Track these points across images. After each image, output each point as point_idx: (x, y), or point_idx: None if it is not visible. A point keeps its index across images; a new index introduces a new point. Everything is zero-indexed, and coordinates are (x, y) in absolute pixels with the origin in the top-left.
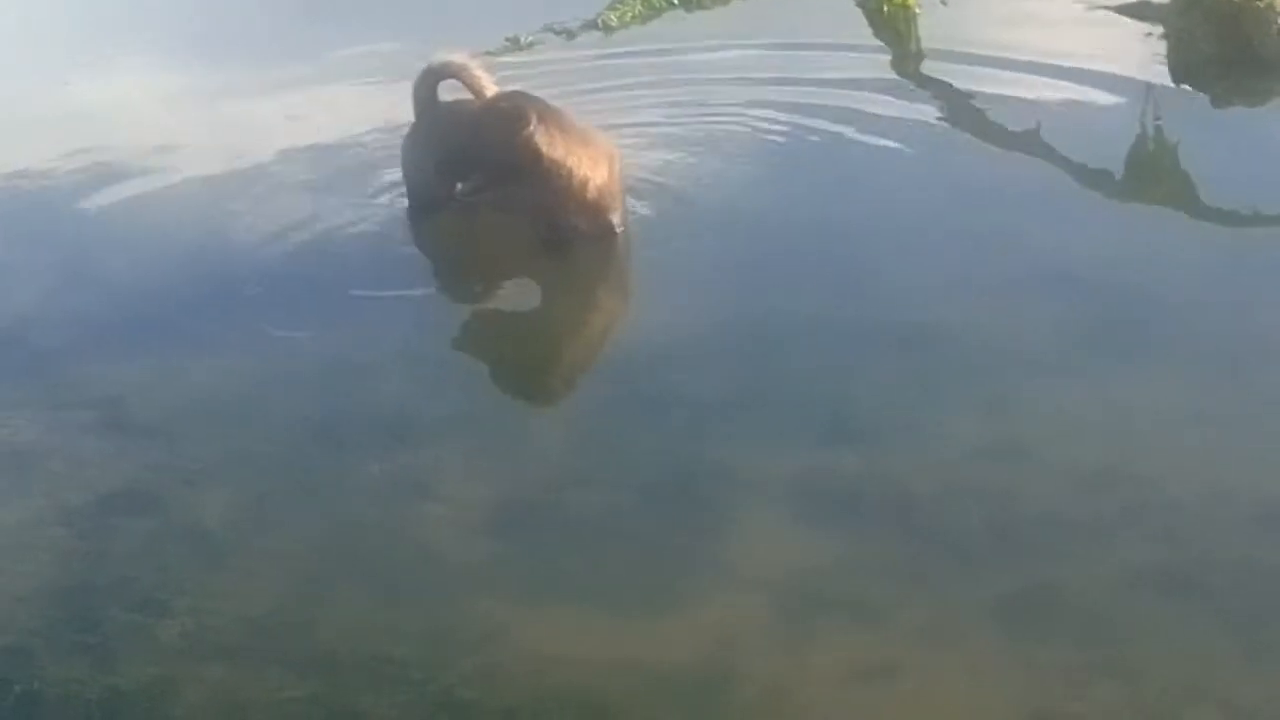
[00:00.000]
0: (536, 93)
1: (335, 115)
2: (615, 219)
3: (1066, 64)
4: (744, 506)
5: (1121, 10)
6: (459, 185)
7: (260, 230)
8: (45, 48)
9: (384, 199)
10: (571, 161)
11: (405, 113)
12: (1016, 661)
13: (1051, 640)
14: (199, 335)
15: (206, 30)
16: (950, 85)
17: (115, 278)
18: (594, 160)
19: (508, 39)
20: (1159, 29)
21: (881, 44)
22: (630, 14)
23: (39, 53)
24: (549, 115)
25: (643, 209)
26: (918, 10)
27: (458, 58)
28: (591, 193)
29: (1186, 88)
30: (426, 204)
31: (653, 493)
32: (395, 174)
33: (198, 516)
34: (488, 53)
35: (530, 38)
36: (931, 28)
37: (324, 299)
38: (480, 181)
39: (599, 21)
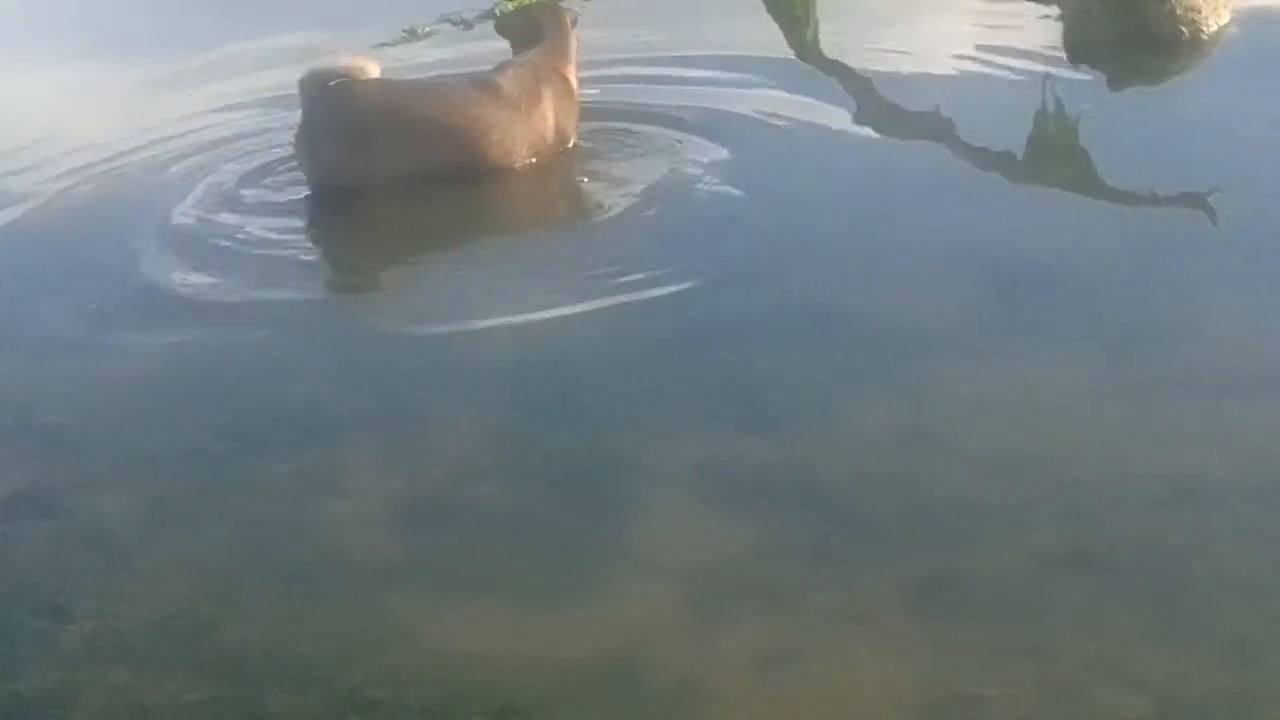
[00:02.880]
0: None
1: (236, 108)
2: None
3: (965, 46)
4: (653, 496)
5: None
6: None
7: (163, 229)
8: None
9: (287, 193)
10: None
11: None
12: (926, 644)
13: (961, 622)
14: (101, 337)
15: (107, 23)
16: (849, 68)
17: (13, 279)
18: None
19: (405, 30)
20: (1055, 10)
21: (779, 27)
22: (526, 2)
23: None
24: None
25: (544, 200)
26: None
27: (344, 60)
28: None
29: (1084, 68)
30: (328, 191)
31: (561, 485)
32: (294, 172)
33: (100, 519)
34: (384, 44)
35: (428, 28)
36: (829, 10)
37: (226, 297)
38: None
39: (496, 11)
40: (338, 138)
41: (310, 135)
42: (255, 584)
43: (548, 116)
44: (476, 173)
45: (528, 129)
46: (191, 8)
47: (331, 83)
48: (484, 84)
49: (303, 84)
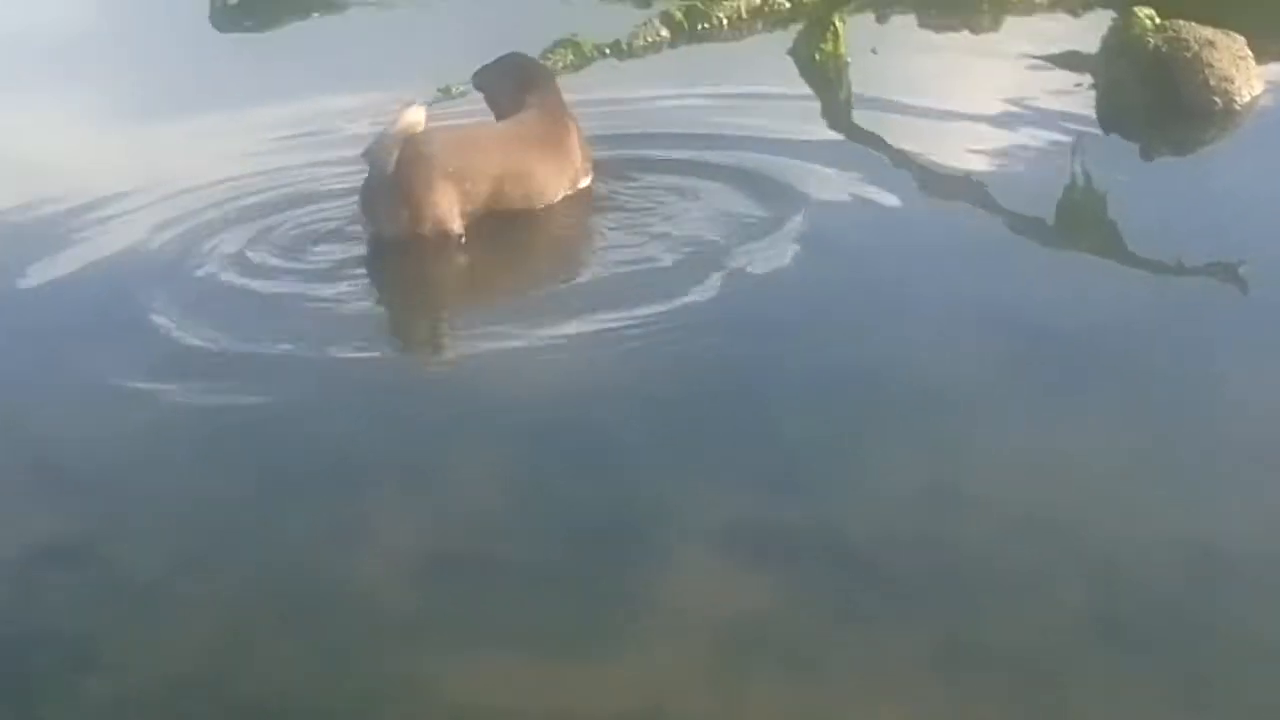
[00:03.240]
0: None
1: (269, 164)
2: None
3: (997, 113)
4: (679, 552)
5: (1051, 59)
6: None
7: (193, 278)
8: None
9: (321, 244)
10: None
11: (334, 158)
12: (953, 709)
13: (988, 688)
14: (129, 387)
15: (142, 77)
16: (881, 134)
17: (41, 327)
18: None
19: (439, 89)
20: (1088, 78)
21: (813, 93)
22: (561, 63)
23: None
24: None
25: (576, 261)
26: (848, 59)
27: (406, 117)
28: None
29: (1116, 136)
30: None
31: (586, 540)
32: (331, 222)
33: (125, 569)
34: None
35: (462, 87)
36: (862, 77)
37: (255, 348)
38: None
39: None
40: (413, 193)
41: (384, 192)
42: (278, 636)
43: (574, 153)
44: (525, 211)
45: (566, 166)
46: (223, 64)
47: (399, 139)
48: (526, 125)
49: (373, 145)
